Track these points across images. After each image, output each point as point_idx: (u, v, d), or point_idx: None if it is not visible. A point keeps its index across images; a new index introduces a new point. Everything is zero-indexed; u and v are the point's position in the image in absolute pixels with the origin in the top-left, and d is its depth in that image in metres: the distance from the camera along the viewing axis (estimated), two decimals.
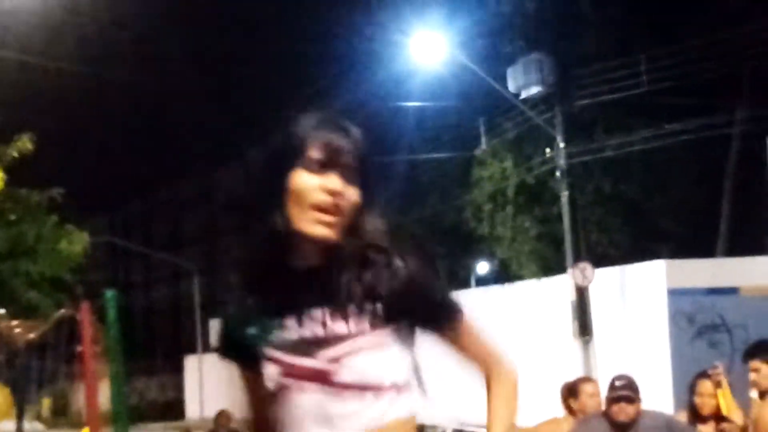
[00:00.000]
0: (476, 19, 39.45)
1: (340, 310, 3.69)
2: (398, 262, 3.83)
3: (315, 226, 3.58)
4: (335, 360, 3.66)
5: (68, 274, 32.81)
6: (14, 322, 21.64)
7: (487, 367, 4.23)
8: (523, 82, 34.69)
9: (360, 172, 3.69)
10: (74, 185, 36.07)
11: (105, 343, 10.30)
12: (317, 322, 3.68)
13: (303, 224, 3.59)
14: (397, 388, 3.77)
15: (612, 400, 8.49)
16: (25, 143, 30.97)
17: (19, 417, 16.78)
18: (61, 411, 35.03)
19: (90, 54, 42.62)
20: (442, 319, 3.96)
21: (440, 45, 34.67)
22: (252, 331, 3.77)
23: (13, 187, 31.70)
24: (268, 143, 3.81)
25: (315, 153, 3.59)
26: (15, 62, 29.03)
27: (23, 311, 27.95)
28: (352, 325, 3.69)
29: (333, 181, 3.58)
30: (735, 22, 35.78)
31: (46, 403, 35.21)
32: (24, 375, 18.08)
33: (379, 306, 3.71)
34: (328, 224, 3.59)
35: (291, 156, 3.62)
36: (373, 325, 3.70)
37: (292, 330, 3.70)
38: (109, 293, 10.03)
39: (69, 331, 17.17)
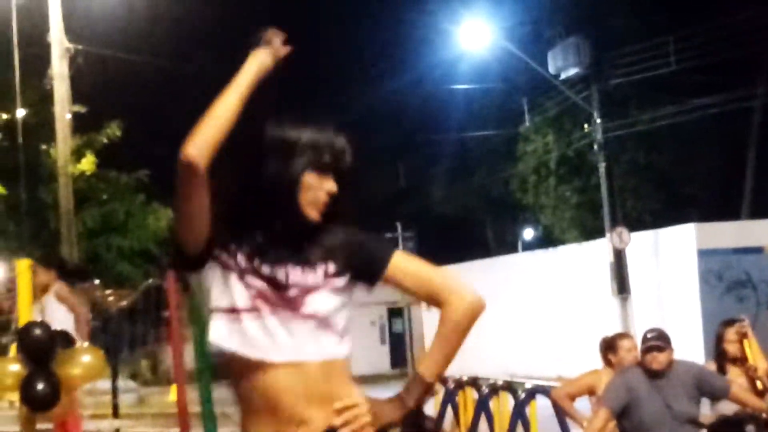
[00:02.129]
0: (518, 7, 39.37)
1: (303, 264, 4.04)
2: (343, 232, 4.22)
3: (310, 211, 4.03)
4: (304, 291, 4.00)
5: (155, 247, 32.91)
6: (107, 291, 21.78)
7: (436, 298, 4.22)
8: (562, 64, 34.62)
9: (346, 172, 4.15)
10: (159, 167, 36.02)
11: (189, 308, 10.31)
12: (287, 269, 4.02)
13: (302, 208, 4.03)
14: (339, 332, 4.07)
15: (645, 350, 8.46)
16: (113, 130, 31.10)
17: (114, 377, 16.87)
18: (152, 371, 35.15)
19: (168, 48, 42.73)
20: (376, 263, 4.19)
21: (486, 32, 34.62)
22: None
23: (104, 170, 31.83)
24: (290, 142, 4.16)
25: (325, 158, 4.05)
26: (102, 58, 29.09)
27: (115, 281, 28.12)
28: (311, 276, 4.03)
29: (331, 184, 4.05)
30: (755, 3, 35.61)
31: (144, 364, 35.39)
32: (117, 339, 18.13)
33: (330, 264, 4.08)
34: (316, 210, 4.04)
35: (308, 158, 4.04)
36: (326, 278, 4.05)
37: (268, 268, 4.02)
38: None
39: (156, 299, 17.27)
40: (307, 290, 4.04)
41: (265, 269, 4.02)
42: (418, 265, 4.25)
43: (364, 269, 4.17)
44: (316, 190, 4.03)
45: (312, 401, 3.96)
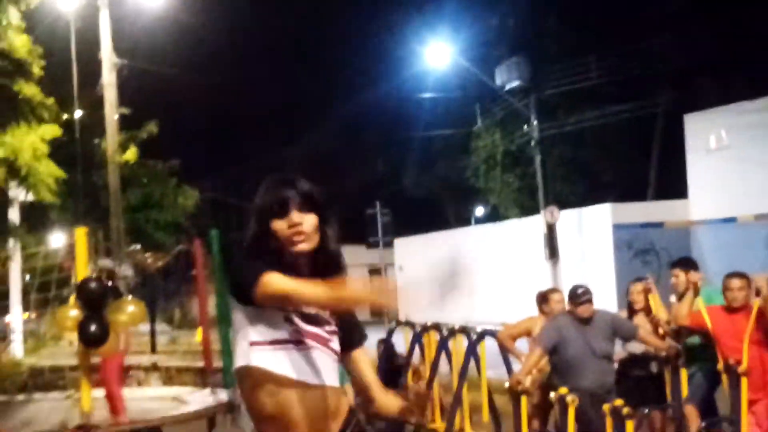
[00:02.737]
0: (471, 31, 39.34)
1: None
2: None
3: (294, 246, 4.08)
4: (330, 333, 4.18)
5: (184, 220, 32.94)
6: (146, 255, 21.67)
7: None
8: (507, 78, 34.75)
9: (314, 205, 4.16)
10: (188, 157, 36.15)
11: (211, 268, 10.26)
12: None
13: (288, 246, 4.09)
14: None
15: (578, 303, 8.50)
16: (151, 128, 30.98)
17: (152, 322, 16.85)
18: (182, 317, 35.14)
19: (195, 62, 42.68)
20: (354, 344, 4.46)
21: (446, 52, 34.69)
22: None
23: (143, 159, 31.76)
24: (255, 204, 4.29)
25: (276, 206, 4.12)
26: (143, 70, 29.00)
27: (152, 247, 28.03)
28: (329, 316, 4.22)
29: (292, 217, 4.08)
30: (661, 28, 35.86)
31: (177, 313, 35.38)
32: (154, 292, 18.06)
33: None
34: (302, 241, 4.08)
35: (268, 212, 4.14)
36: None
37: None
38: (214, 232, 10.02)
39: (185, 261, 17.25)
40: (333, 331, 4.22)
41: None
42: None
43: (345, 339, 4.32)
44: (283, 230, 4.06)
45: (329, 417, 4.10)
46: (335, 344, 4.18)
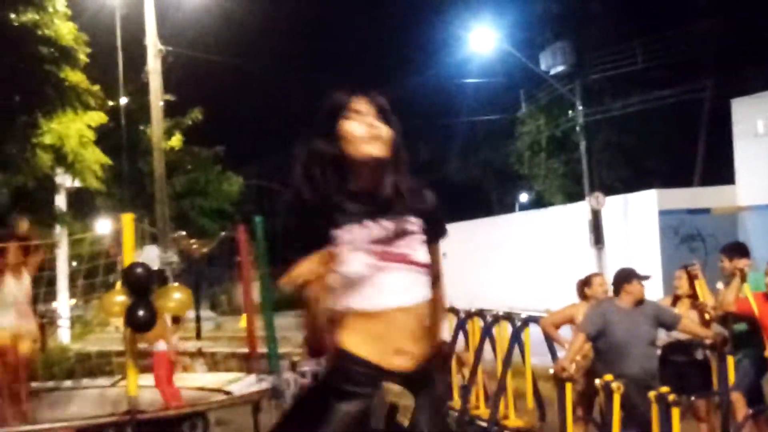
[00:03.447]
0: (516, 17, 39.28)
1: (399, 216, 3.89)
2: (425, 191, 4.17)
3: (369, 148, 3.83)
4: (410, 247, 3.86)
5: (229, 206, 33.11)
6: (192, 241, 21.79)
7: (436, 277, 4.06)
8: (552, 63, 34.78)
9: (387, 121, 3.91)
10: (233, 143, 36.27)
11: (255, 254, 10.31)
12: (390, 223, 3.86)
13: (361, 149, 3.84)
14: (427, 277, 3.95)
15: (630, 282, 8.54)
16: (196, 114, 31.19)
17: (197, 307, 16.93)
18: (227, 303, 35.33)
19: (239, 49, 42.83)
20: (439, 235, 4.11)
21: (490, 37, 34.62)
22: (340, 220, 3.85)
23: (188, 146, 31.94)
24: (324, 105, 3.99)
25: (352, 105, 3.87)
26: (188, 57, 29.13)
27: (197, 233, 28.17)
28: (409, 226, 3.90)
29: (369, 118, 3.84)
30: (707, 11, 35.68)
31: (225, 299, 35.59)
32: (199, 278, 18.17)
33: (417, 218, 3.95)
34: (377, 146, 3.84)
35: (340, 110, 3.88)
36: (417, 228, 3.93)
37: (373, 228, 3.84)
38: (258, 219, 10.06)
39: (230, 247, 17.29)
40: (409, 238, 3.93)
41: (375, 230, 3.86)
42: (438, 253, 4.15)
43: (431, 234, 4.04)
44: (356, 131, 3.85)
45: (411, 337, 3.86)
46: (416, 255, 3.89)
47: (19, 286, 10.27)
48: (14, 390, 9.83)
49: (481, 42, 35.00)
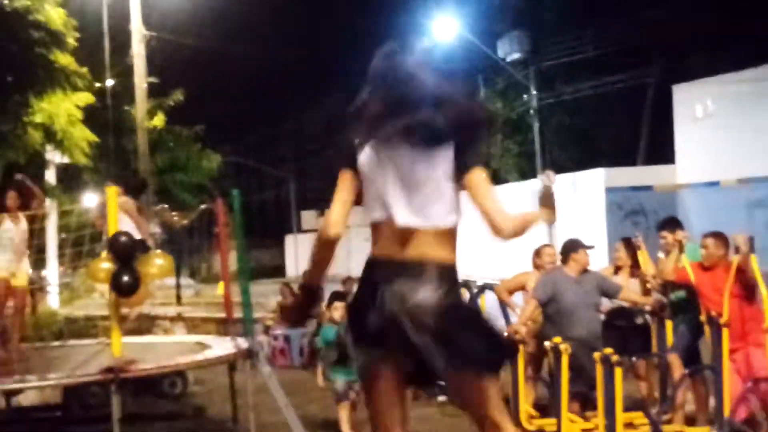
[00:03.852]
0: (475, 7, 39.24)
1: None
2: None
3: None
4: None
5: (208, 181, 33.13)
6: (173, 213, 21.71)
7: (490, 219, 4.21)
8: (508, 51, 34.94)
9: None
10: (212, 123, 36.24)
11: (232, 226, 10.29)
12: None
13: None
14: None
15: (576, 251, 8.64)
16: (177, 96, 31.06)
17: (177, 275, 16.92)
18: (206, 271, 35.34)
19: (218, 34, 42.63)
20: (474, 161, 4.01)
21: (452, 26, 34.71)
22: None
23: (170, 126, 31.86)
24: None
25: None
26: (170, 42, 29.01)
27: (178, 206, 28.07)
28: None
29: None
30: (654, 3, 35.90)
31: (204, 267, 35.66)
32: (180, 247, 18.13)
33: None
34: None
35: None
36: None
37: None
38: (235, 192, 10.04)
39: (208, 219, 17.24)
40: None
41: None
42: (485, 187, 4.11)
43: (460, 163, 3.95)
44: None
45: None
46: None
47: (16, 229, 10.64)
48: (12, 322, 10.03)
49: (443, 31, 35.06)
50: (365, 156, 3.88)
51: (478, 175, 4.01)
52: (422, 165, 3.86)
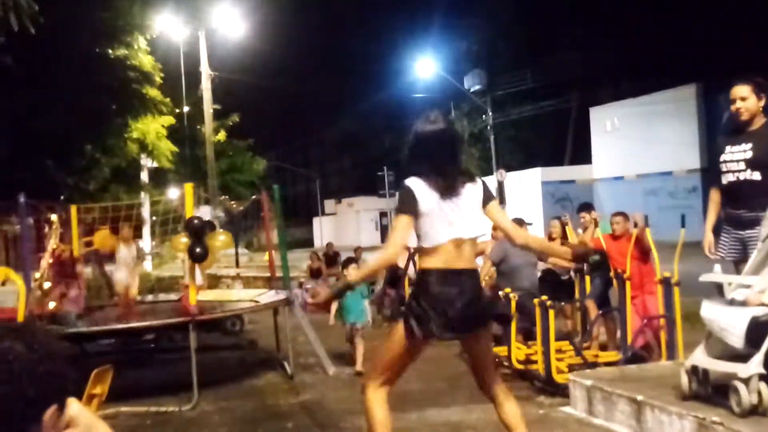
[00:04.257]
0: (449, 52, 39.17)
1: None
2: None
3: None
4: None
5: (256, 179, 33.20)
6: (232, 202, 21.67)
7: (507, 231, 4.16)
8: (472, 83, 34.79)
9: None
10: (259, 137, 36.26)
11: (274, 211, 10.27)
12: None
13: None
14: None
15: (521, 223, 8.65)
16: (234, 118, 31.12)
17: (236, 246, 16.82)
18: (257, 243, 35.31)
19: (265, 70, 42.54)
20: (488, 199, 4.12)
21: (431, 66, 34.56)
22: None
23: (229, 139, 31.89)
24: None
25: None
26: (229, 79, 28.96)
27: (235, 197, 28.08)
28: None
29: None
30: (574, 47, 35.98)
31: (256, 241, 35.61)
32: (237, 226, 18.08)
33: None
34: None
35: None
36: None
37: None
38: (276, 187, 10.01)
39: (257, 206, 17.24)
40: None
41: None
42: (502, 211, 4.27)
43: (485, 199, 4.08)
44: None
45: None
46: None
47: (128, 253, 10.92)
48: (125, 312, 10.01)
49: (424, 69, 35.00)
50: (428, 200, 3.95)
51: (496, 204, 4.20)
52: (470, 204, 4.04)
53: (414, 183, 3.98)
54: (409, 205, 3.94)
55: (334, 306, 8.68)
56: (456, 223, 3.95)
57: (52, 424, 1.55)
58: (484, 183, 4.17)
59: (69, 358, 1.66)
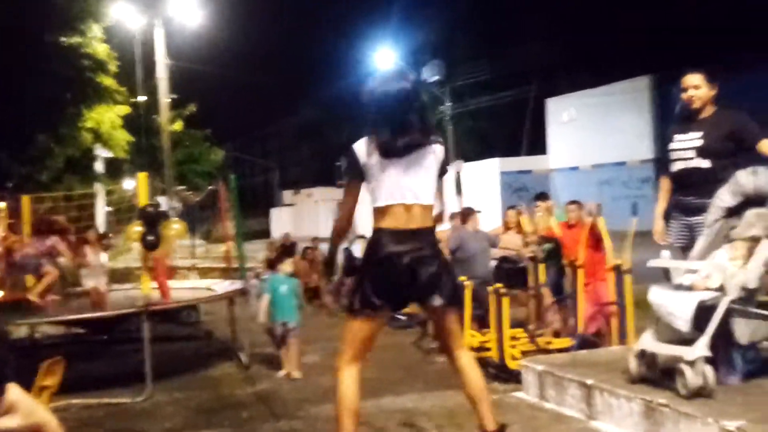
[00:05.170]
0: (408, 43, 39.20)
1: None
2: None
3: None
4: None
5: (214, 170, 32.99)
6: (188, 193, 21.53)
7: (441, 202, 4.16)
8: (431, 74, 34.75)
9: None
10: (216, 127, 36.03)
11: (231, 202, 10.21)
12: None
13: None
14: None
15: (470, 215, 8.71)
16: (191, 108, 30.85)
17: (192, 236, 16.70)
18: (222, 234, 35.14)
19: (222, 60, 42.23)
20: (445, 172, 4.13)
21: (390, 56, 34.51)
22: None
23: (186, 129, 31.62)
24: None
25: None
26: (186, 68, 28.69)
27: (192, 188, 27.89)
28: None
29: None
30: (532, 38, 36.21)
31: (212, 232, 35.45)
32: (193, 218, 17.93)
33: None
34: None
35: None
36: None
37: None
38: (233, 177, 9.95)
39: (213, 197, 17.14)
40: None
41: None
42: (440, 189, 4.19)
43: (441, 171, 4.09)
44: None
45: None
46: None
47: (96, 258, 10.26)
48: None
49: (383, 59, 34.91)
50: (375, 162, 3.89)
51: (442, 182, 4.15)
52: (421, 169, 3.98)
53: (357, 145, 3.97)
54: (351, 168, 3.94)
55: (264, 301, 7.86)
56: (404, 186, 3.91)
57: None
58: (447, 151, 4.11)
59: (9, 345, 1.63)
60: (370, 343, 4.06)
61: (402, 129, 3.89)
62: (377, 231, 3.94)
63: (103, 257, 10.33)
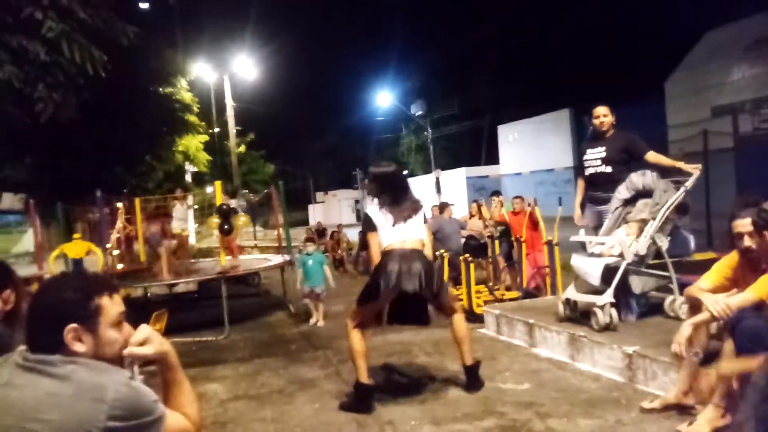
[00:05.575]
0: (401, 88, 39.06)
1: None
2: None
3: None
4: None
5: (268, 178, 32.86)
6: (251, 195, 21.47)
7: (427, 245, 4.20)
8: (417, 110, 34.60)
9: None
10: (269, 148, 35.90)
11: (280, 200, 10.19)
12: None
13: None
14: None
15: (445, 207, 8.66)
16: (251, 136, 30.74)
17: (254, 225, 16.64)
18: (267, 223, 35.08)
19: (272, 99, 42.04)
20: (426, 221, 4.18)
21: (388, 97, 34.39)
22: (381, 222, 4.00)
23: (248, 150, 31.50)
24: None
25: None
26: (248, 108, 28.60)
27: (253, 192, 27.84)
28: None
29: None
30: (487, 81, 35.93)
31: (268, 221, 35.38)
32: (254, 211, 17.91)
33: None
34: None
35: None
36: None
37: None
38: (280, 183, 9.93)
39: (269, 198, 17.12)
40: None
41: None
42: (426, 232, 4.17)
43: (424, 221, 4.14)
44: None
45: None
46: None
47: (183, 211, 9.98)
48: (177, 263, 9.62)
49: (383, 99, 34.85)
50: (381, 218, 4.01)
51: (427, 228, 4.18)
52: (415, 220, 4.05)
53: (372, 211, 4.06)
54: (370, 226, 4.04)
55: (299, 274, 7.74)
56: (404, 233, 4.01)
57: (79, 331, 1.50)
58: (423, 213, 4.19)
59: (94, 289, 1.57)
60: (374, 321, 4.11)
61: (399, 196, 4.05)
62: (384, 254, 3.99)
63: (189, 212, 10.31)
